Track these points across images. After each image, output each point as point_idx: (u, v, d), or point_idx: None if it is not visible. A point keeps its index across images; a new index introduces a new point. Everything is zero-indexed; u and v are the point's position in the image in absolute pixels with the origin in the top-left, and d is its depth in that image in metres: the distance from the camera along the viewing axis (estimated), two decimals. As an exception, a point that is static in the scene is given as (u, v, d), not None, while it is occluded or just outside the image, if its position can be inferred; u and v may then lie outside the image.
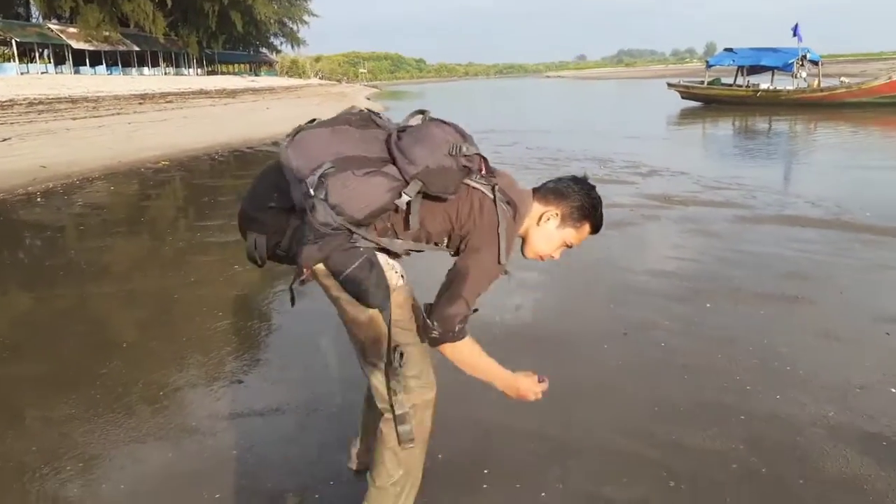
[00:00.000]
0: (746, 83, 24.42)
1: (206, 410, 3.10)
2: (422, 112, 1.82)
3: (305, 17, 68.17)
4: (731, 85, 24.74)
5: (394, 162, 1.69)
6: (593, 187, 1.98)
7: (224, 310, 4.42)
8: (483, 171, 1.82)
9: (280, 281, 4.90)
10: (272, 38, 68.74)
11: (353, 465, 2.45)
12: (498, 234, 1.78)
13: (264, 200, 1.77)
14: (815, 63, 22.61)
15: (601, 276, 5.03)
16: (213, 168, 12.34)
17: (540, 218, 1.95)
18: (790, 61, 22.20)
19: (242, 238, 1.84)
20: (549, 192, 1.96)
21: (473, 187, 1.81)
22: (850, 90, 21.26)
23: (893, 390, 3.10)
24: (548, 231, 1.95)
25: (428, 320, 1.78)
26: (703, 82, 24.97)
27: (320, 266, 1.74)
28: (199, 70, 57.18)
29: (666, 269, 5.11)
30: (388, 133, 1.76)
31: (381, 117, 1.85)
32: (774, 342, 3.69)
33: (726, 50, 25.17)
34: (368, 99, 41.97)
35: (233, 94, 31.83)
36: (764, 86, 23.61)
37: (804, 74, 22.33)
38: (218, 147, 14.71)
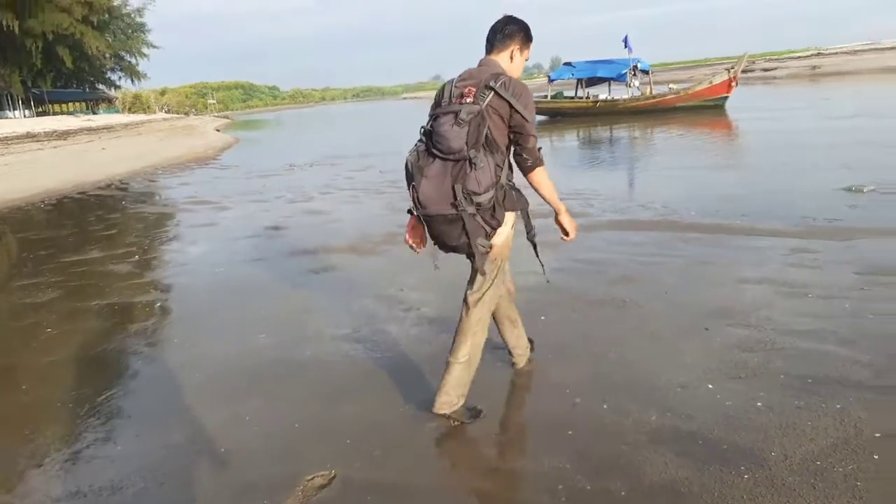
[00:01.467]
0: (587, 95, 25.85)
1: (-9, 508, 2.70)
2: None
3: (145, 50, 64.89)
4: (572, 97, 26.10)
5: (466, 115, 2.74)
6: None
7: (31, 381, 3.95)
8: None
9: (99, 343, 4.47)
10: (109, 72, 64.79)
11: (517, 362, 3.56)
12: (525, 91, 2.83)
13: (436, 188, 2.76)
14: (645, 72, 24.32)
15: (444, 300, 4.99)
16: (35, 219, 11.27)
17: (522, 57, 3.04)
18: (623, 71, 23.74)
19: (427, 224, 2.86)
20: (514, 38, 2.99)
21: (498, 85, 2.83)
22: (678, 95, 23.03)
23: (710, 386, 3.24)
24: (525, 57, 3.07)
25: (522, 156, 2.84)
26: (547, 97, 26.15)
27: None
28: (27, 112, 52.77)
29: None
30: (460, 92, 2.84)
31: None
32: (604, 350, 3.78)
33: (565, 64, 26.53)
34: (218, 130, 40.49)
35: (64, 135, 29.53)
36: (602, 96, 25.08)
37: (637, 83, 23.96)
38: (44, 194, 13.51)
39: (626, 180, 10.84)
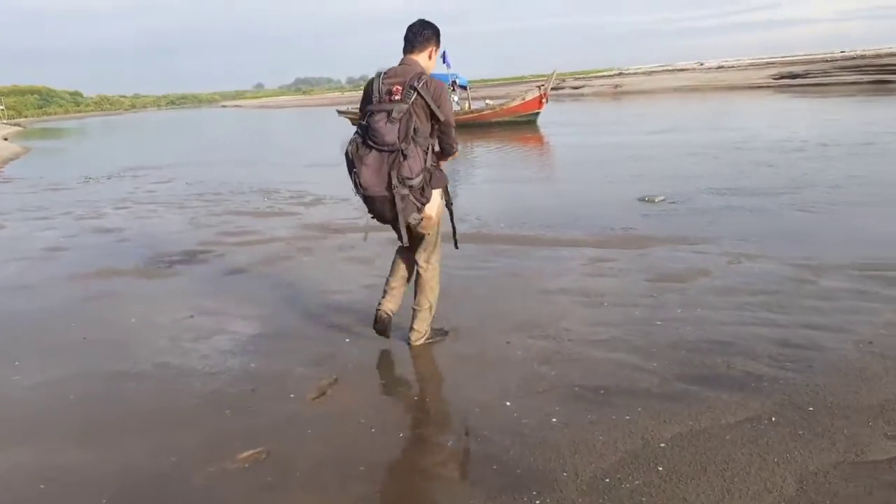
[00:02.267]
0: (408, 107, 26.14)
1: None
2: None
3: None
4: (394, 109, 26.26)
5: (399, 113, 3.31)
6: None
7: None
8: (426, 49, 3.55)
9: None
10: None
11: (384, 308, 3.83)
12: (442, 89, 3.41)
13: (375, 174, 3.34)
14: (464, 87, 25.01)
15: (244, 324, 4.58)
16: None
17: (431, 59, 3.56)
18: (442, 86, 24.23)
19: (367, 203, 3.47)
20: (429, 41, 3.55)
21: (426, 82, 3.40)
22: (494, 111, 23.90)
23: (508, 404, 3.16)
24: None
25: (446, 143, 3.47)
26: (369, 108, 26.05)
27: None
28: None
29: (310, 308, 4.83)
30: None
31: None
32: (409, 380, 3.61)
33: (386, 77, 26.72)
34: (6, 139, 36.09)
35: None
36: (423, 109, 25.41)
37: (456, 98, 24.55)
38: None
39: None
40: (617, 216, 7.32)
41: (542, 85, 23.38)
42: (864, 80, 33.00)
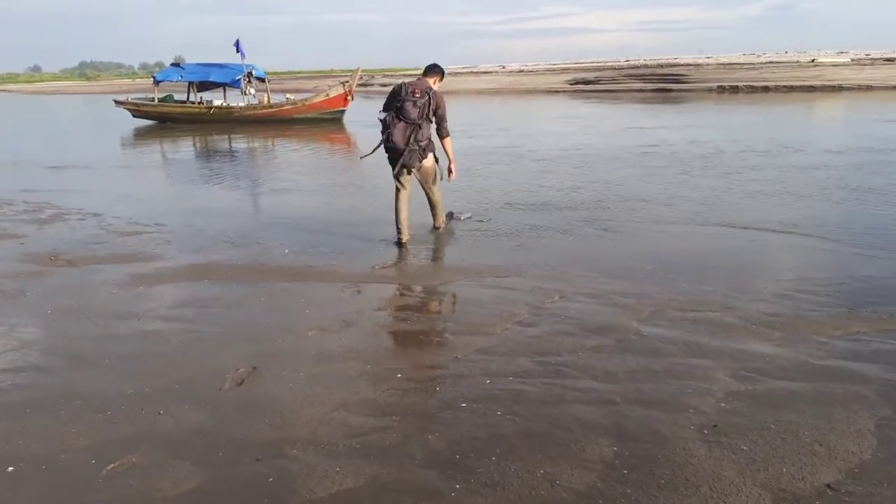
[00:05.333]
0: (199, 99, 23.68)
1: None
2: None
3: None
4: (184, 102, 23.66)
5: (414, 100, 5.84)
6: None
7: None
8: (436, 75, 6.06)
9: None
10: None
11: (405, 238, 6.14)
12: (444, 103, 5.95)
13: (401, 135, 5.79)
14: (261, 80, 23.13)
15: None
16: None
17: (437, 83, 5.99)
18: (237, 77, 22.20)
19: (393, 152, 5.87)
20: (434, 72, 6.01)
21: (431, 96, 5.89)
22: (295, 106, 22.31)
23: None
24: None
25: (444, 130, 6.01)
26: (154, 99, 23.27)
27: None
28: None
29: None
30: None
31: None
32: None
33: (173, 65, 23.97)
34: None
35: None
36: (217, 102, 23.17)
37: (252, 91, 22.63)
38: None
39: (228, 206, 9.26)
40: (419, 236, 6.41)
41: (347, 81, 22.21)
42: (648, 87, 35.73)
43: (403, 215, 6.10)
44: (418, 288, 5.06)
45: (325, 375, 3.53)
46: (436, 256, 6.07)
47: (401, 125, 5.75)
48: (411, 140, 5.77)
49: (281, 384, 3.45)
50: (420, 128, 5.76)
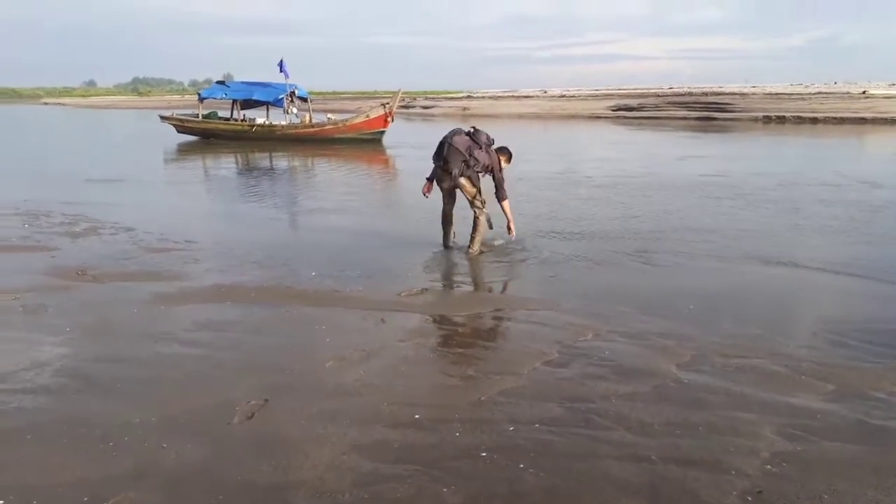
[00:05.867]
0: (243, 117, 24.01)
1: None
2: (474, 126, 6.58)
3: None
4: (228, 119, 24.03)
5: (476, 143, 6.36)
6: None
7: None
8: (492, 145, 6.49)
9: None
10: None
11: (450, 244, 6.75)
12: (499, 164, 6.49)
13: (457, 156, 6.24)
14: (304, 99, 23.36)
15: None
16: None
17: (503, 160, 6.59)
18: (280, 96, 22.46)
19: (445, 171, 6.34)
20: (502, 151, 6.63)
21: (490, 149, 6.45)
22: (336, 126, 22.47)
23: None
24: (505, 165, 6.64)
25: (501, 192, 6.46)
26: (198, 115, 23.68)
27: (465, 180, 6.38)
28: None
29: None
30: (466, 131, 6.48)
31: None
32: None
33: (218, 83, 24.42)
34: None
35: None
36: (260, 120, 23.49)
37: (295, 110, 22.86)
38: None
39: (261, 224, 9.18)
40: (445, 266, 6.21)
41: (388, 103, 22.28)
42: (692, 115, 35.17)
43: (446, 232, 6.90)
44: (444, 319, 4.84)
45: (340, 412, 3.33)
46: (465, 284, 5.87)
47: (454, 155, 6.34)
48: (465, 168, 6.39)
49: (292, 420, 3.26)
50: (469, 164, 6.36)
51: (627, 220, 8.27)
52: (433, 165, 6.52)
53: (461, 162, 6.24)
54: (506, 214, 6.53)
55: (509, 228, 6.58)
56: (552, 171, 13.37)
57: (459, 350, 4.20)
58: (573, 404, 3.41)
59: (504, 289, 5.57)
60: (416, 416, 3.28)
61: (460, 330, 4.62)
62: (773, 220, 8.31)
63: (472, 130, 6.41)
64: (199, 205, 10.67)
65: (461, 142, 6.27)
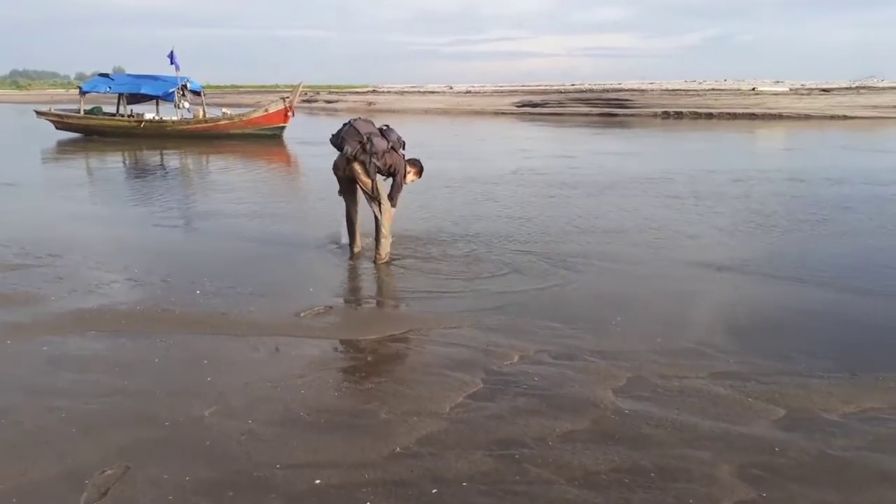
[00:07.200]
0: (130, 112, 22.28)
1: None
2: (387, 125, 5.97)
3: None
4: (113, 114, 22.23)
5: (383, 136, 5.77)
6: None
7: None
8: (403, 148, 5.92)
9: None
10: None
11: (356, 250, 6.18)
12: (404, 170, 5.90)
13: (353, 136, 5.64)
14: (196, 93, 21.94)
15: None
16: None
17: (409, 172, 6.02)
18: (171, 90, 20.98)
19: (339, 148, 5.73)
20: (412, 163, 6.05)
21: (398, 152, 5.86)
22: (232, 121, 21.20)
23: None
24: (410, 177, 6.07)
25: (391, 201, 5.90)
26: (79, 111, 21.78)
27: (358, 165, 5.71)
28: None
29: None
30: (378, 126, 5.89)
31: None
32: None
33: (101, 75, 22.53)
34: None
35: None
36: (149, 116, 21.87)
37: (187, 105, 21.41)
38: None
39: (142, 232, 8.18)
40: (351, 277, 5.59)
41: (288, 97, 21.24)
42: (595, 111, 35.82)
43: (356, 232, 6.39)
44: (350, 345, 4.23)
45: (220, 482, 2.66)
46: (373, 299, 5.28)
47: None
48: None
49: (158, 496, 2.58)
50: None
51: (545, 221, 7.89)
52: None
53: (357, 143, 5.65)
54: (382, 226, 5.90)
55: (378, 245, 5.95)
56: (465, 168, 12.92)
57: (369, 385, 3.60)
58: (505, 451, 2.89)
59: (416, 303, 5.00)
60: (317, 482, 2.67)
61: (369, 358, 4.02)
62: (689, 216, 8.17)
63: (384, 127, 5.92)
64: (71, 211, 9.44)
65: (362, 125, 5.77)
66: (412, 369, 3.82)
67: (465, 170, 12.67)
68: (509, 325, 4.48)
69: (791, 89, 38.41)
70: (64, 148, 19.50)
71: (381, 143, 5.70)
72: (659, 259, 6.25)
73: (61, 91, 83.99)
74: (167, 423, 3.13)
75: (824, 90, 37.06)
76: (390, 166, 5.82)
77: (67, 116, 21.99)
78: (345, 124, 5.84)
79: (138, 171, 14.44)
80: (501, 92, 48.99)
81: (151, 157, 17.12)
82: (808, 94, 36.43)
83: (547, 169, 12.95)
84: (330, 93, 56.28)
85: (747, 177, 11.61)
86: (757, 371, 3.77)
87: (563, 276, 5.66)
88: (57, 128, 22.00)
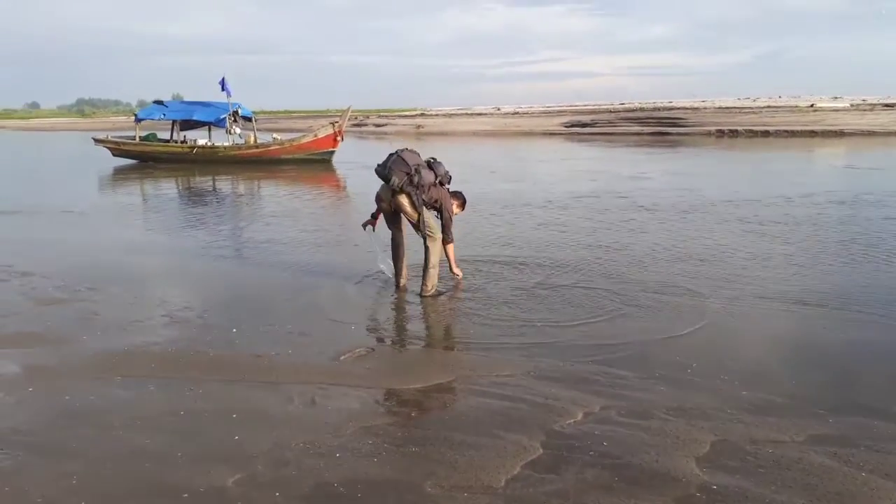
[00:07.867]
0: (183, 138, 22.61)
1: None
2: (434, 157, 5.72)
3: None
4: (167, 141, 22.60)
5: (431, 169, 5.58)
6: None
7: None
8: (448, 182, 5.70)
9: None
10: None
11: (402, 283, 5.91)
12: (449, 203, 5.72)
13: (401, 167, 5.40)
14: (248, 119, 22.13)
15: None
16: None
17: (453, 205, 5.82)
18: (222, 116, 21.20)
19: (385, 179, 5.50)
20: (455, 195, 5.89)
21: (444, 186, 5.67)
22: (282, 147, 21.28)
23: None
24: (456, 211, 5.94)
25: (447, 236, 5.68)
26: (135, 137, 22.19)
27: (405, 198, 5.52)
28: None
29: None
30: (425, 159, 5.68)
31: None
32: None
33: (156, 103, 22.94)
34: None
35: None
36: (202, 142, 22.15)
37: (238, 130, 21.58)
38: None
39: (184, 264, 7.97)
40: (396, 313, 5.20)
41: (337, 121, 21.22)
42: (646, 130, 34.99)
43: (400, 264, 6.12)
44: (392, 396, 3.82)
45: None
46: (419, 340, 4.87)
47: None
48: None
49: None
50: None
51: (608, 250, 7.38)
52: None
53: (404, 174, 5.43)
54: (448, 257, 5.86)
55: (451, 269, 5.95)
56: (504, 189, 12.49)
57: (413, 449, 3.17)
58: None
59: (466, 345, 4.58)
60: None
61: (413, 414, 3.60)
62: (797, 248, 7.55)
63: (431, 160, 5.70)
64: (117, 239, 9.34)
65: (410, 156, 5.53)
66: (461, 428, 3.37)
67: (542, 193, 12.22)
68: (570, 371, 4.02)
69: (851, 105, 36.89)
70: (119, 174, 19.82)
71: (428, 176, 5.51)
72: (744, 295, 5.66)
73: (123, 118, 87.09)
74: (185, 496, 2.77)
75: (888, 105, 35.44)
76: (436, 200, 5.63)
77: (123, 143, 22.45)
78: (391, 154, 5.57)
79: (188, 198, 14.44)
80: (549, 112, 48.49)
81: (203, 183, 17.22)
82: (871, 110, 34.90)
83: (624, 190, 12.40)
84: (379, 116, 56.61)
85: (838, 199, 10.85)
86: (865, 436, 3.21)
87: (631, 314, 5.15)
88: (114, 154, 22.47)
